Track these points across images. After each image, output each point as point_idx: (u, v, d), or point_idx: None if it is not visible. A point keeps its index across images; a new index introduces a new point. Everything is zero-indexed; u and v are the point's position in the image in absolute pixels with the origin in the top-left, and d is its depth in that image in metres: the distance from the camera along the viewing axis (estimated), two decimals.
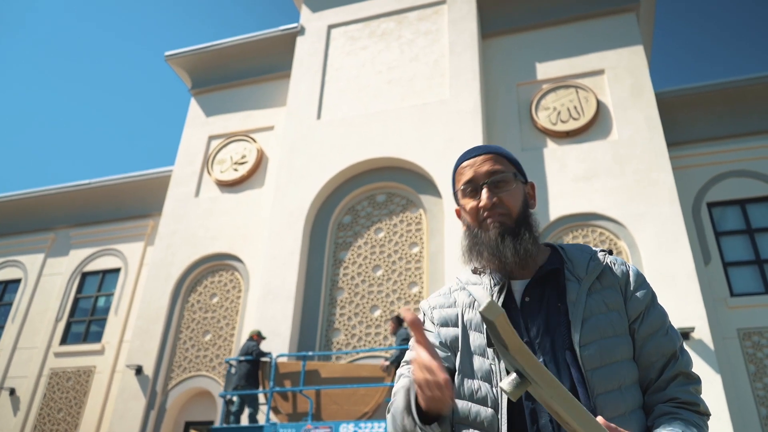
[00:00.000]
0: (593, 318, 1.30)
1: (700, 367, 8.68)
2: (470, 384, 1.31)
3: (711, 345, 8.82)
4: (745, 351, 9.66)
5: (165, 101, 48.55)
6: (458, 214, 1.50)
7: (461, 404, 1.30)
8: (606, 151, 10.78)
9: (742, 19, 34.78)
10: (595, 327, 1.29)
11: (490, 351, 1.31)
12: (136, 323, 11.92)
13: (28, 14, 41.99)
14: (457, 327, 1.39)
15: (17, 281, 14.85)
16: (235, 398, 8.96)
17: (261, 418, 9.28)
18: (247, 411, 9.09)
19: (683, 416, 1.23)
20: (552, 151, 11.14)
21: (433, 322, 1.45)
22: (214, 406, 11.04)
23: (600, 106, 11.22)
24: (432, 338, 1.42)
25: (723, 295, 10.15)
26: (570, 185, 10.67)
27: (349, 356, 10.12)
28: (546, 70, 12.07)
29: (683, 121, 11.71)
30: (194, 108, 14.63)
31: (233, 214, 12.61)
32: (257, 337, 9.25)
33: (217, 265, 12.28)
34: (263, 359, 9.00)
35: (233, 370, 9.22)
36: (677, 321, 8.96)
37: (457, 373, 1.35)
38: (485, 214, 1.40)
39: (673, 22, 34.60)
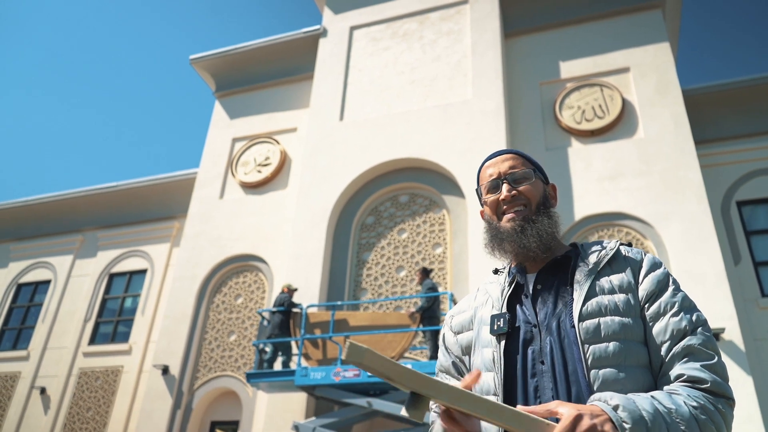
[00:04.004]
0: (598, 297, 1.32)
1: (730, 369, 8.51)
2: (484, 380, 1.39)
3: (742, 346, 8.65)
4: None
5: (190, 104, 49.14)
6: (482, 215, 1.57)
7: None
8: (632, 149, 10.64)
9: None
10: (598, 305, 1.31)
11: (493, 339, 1.38)
12: (162, 324, 12.07)
13: (55, 19, 42.83)
14: (472, 329, 1.49)
15: (47, 282, 15.14)
16: (268, 347, 9.32)
17: (293, 366, 9.46)
18: (280, 359, 9.47)
19: (676, 391, 1.18)
20: (576, 150, 11.02)
21: (452, 331, 1.54)
22: (239, 406, 11.13)
23: (625, 105, 11.07)
24: (444, 360, 1.55)
25: (754, 295, 9.94)
26: (595, 185, 10.55)
27: (377, 306, 10.41)
28: (570, 68, 11.95)
29: (711, 118, 11.51)
30: (218, 111, 14.78)
31: (257, 215, 12.71)
32: (288, 290, 9.56)
33: (241, 266, 12.37)
34: (294, 310, 9.32)
35: (265, 322, 9.55)
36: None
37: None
38: (505, 207, 1.48)
39: (700, 17, 34.03)
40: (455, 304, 8.78)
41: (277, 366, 9.61)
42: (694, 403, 1.14)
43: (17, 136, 46.82)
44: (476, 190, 1.57)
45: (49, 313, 14.43)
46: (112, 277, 14.40)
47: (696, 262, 9.33)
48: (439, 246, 10.86)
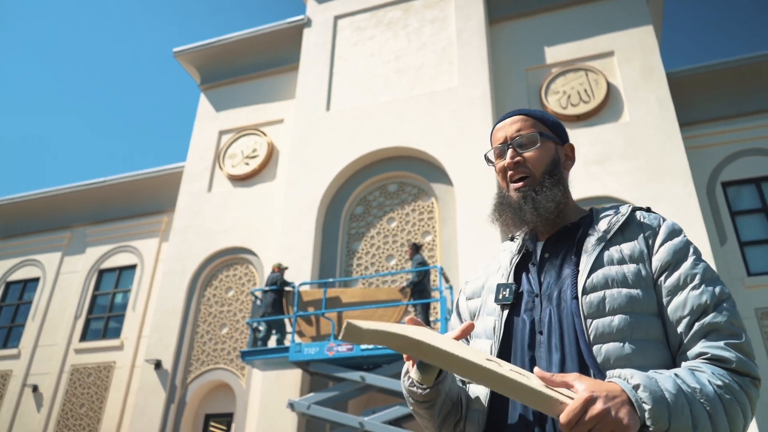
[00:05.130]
0: (605, 268, 1.25)
1: None
2: (476, 344, 1.38)
3: None
4: (763, 330, 9.59)
5: (175, 97, 48.77)
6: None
7: None
8: (618, 133, 10.70)
9: None
10: (604, 276, 1.24)
11: (497, 308, 1.36)
12: (153, 318, 12.06)
13: (36, 13, 42.28)
14: (481, 296, 1.47)
15: (36, 280, 15.06)
16: (262, 326, 9.45)
17: (287, 343, 9.55)
18: (274, 337, 9.60)
19: (699, 368, 1.10)
20: None
21: (465, 297, 1.53)
22: (233, 399, 11.16)
23: (610, 89, 11.12)
24: (455, 323, 1.51)
25: (740, 274, 10.07)
26: (582, 169, 10.60)
27: (368, 282, 10.56)
28: (555, 53, 11.97)
29: (696, 100, 11.59)
30: (204, 103, 14.69)
31: (246, 208, 12.68)
32: (278, 269, 9.64)
33: (231, 259, 12.37)
34: (287, 288, 9.44)
35: (258, 302, 9.68)
36: None
37: (471, 338, 1.42)
38: (510, 173, 1.43)
39: (683, 1, 34.13)
40: (445, 278, 8.94)
41: (272, 344, 9.72)
42: (719, 382, 1.07)
43: (1, 133, 46.31)
44: (485, 155, 1.52)
45: (39, 310, 14.36)
46: (102, 273, 14.34)
47: None
48: (429, 234, 10.90)
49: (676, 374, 1.07)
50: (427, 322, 8.55)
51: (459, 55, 11.99)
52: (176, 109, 49.01)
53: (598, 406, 0.97)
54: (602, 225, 1.34)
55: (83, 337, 13.54)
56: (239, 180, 13.17)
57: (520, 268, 1.41)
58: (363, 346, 8.09)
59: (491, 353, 1.31)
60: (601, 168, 10.49)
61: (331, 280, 9.51)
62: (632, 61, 11.28)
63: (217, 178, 13.48)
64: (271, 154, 13.20)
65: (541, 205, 1.37)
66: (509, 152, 1.42)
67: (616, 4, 11.98)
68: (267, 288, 9.37)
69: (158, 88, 48.56)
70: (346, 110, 12.37)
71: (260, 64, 14.52)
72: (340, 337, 1.05)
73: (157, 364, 11.42)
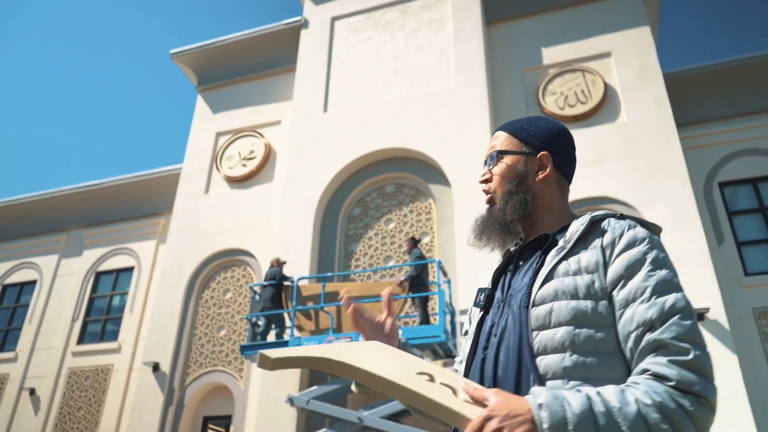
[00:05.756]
0: (557, 279, 1.25)
1: (715, 348, 8.65)
2: (464, 345, 1.46)
3: (726, 325, 8.78)
4: (761, 330, 9.61)
5: (172, 99, 48.70)
6: None
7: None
8: (615, 134, 10.72)
9: None
10: (554, 289, 1.23)
11: (476, 311, 1.44)
12: (151, 321, 12.03)
13: (31, 15, 42.18)
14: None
15: (33, 283, 15.01)
16: (261, 320, 9.47)
17: (286, 338, 9.57)
18: (273, 331, 9.61)
19: (634, 385, 1.08)
20: None
21: (474, 305, 1.57)
22: (231, 401, 11.14)
23: (607, 89, 11.14)
24: (466, 326, 1.56)
25: (737, 274, 10.09)
26: (579, 170, 10.57)
27: (367, 276, 10.41)
28: (552, 54, 11.99)
29: (693, 101, 11.61)
30: (201, 105, 14.67)
31: (243, 209, 12.66)
32: (277, 263, 9.65)
33: (229, 261, 12.34)
34: (286, 283, 9.46)
35: (257, 297, 9.68)
36: (692, 302, 8.89)
37: None
38: (483, 189, 1.52)
39: (680, 0, 34.22)
40: (443, 272, 8.96)
41: (271, 339, 9.74)
42: (649, 401, 1.03)
43: None
44: None
45: (36, 313, 14.31)
46: (99, 275, 14.30)
47: (680, 244, 9.44)
48: (427, 235, 10.90)
49: (598, 392, 1.05)
50: (425, 316, 8.64)
51: (456, 56, 12.00)
52: (173, 111, 48.97)
53: (492, 424, 1.00)
54: (567, 234, 1.33)
55: (80, 340, 13.50)
56: (236, 182, 13.15)
57: (504, 273, 1.46)
58: (361, 339, 8.09)
59: (465, 353, 1.40)
60: (598, 168, 10.51)
61: (329, 274, 9.54)
62: (629, 62, 11.30)
63: (215, 179, 13.46)
64: (269, 155, 13.19)
65: (494, 218, 1.45)
66: (483, 170, 1.52)
67: (613, 5, 12.01)
68: (266, 283, 9.38)
69: (155, 90, 48.50)
70: (343, 111, 12.36)
71: (257, 66, 14.50)
72: (256, 365, 1.09)
73: (155, 367, 11.39)
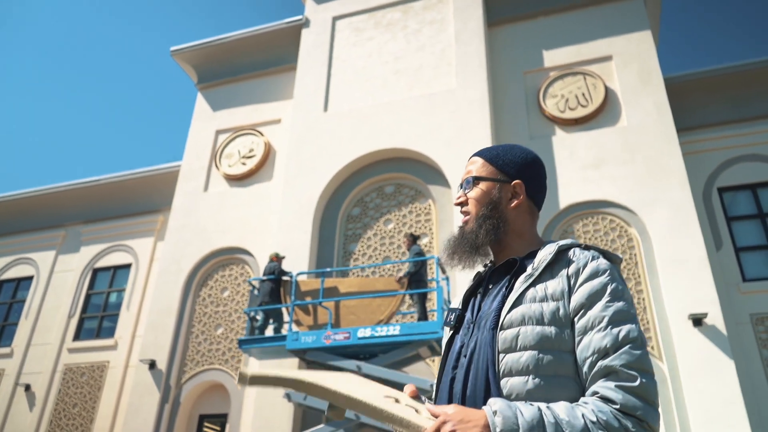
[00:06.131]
0: (524, 305, 1.32)
1: (713, 353, 8.66)
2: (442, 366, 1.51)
3: (724, 331, 8.79)
4: (758, 336, 9.62)
5: (171, 96, 48.62)
6: None
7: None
8: (615, 137, 10.72)
9: (752, 1, 34.42)
10: (522, 314, 1.31)
11: (447, 330, 1.52)
12: (148, 318, 12.00)
13: (32, 11, 42.09)
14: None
15: (29, 278, 14.97)
16: (259, 315, 9.45)
17: (284, 332, 9.55)
18: (271, 326, 9.58)
19: (584, 404, 1.17)
20: (561, 139, 11.08)
21: (444, 325, 1.64)
22: (227, 399, 11.11)
23: (608, 93, 11.14)
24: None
25: (735, 280, 10.10)
26: (579, 173, 10.62)
27: (367, 272, 10.61)
28: (553, 57, 11.99)
29: (693, 105, 11.62)
30: (201, 103, 14.64)
31: (242, 208, 12.64)
32: (276, 258, 9.63)
33: (227, 259, 12.32)
34: (284, 278, 9.43)
35: (256, 292, 9.65)
36: (689, 307, 8.94)
37: None
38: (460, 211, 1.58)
39: (681, 5, 34.27)
40: (442, 269, 8.98)
41: (269, 333, 9.73)
42: (594, 418, 1.13)
43: None
44: None
45: (33, 309, 14.27)
46: (96, 272, 14.26)
47: (679, 248, 9.45)
48: (425, 236, 10.89)
49: (548, 406, 1.15)
50: (423, 312, 8.68)
51: (457, 57, 11.99)
52: (173, 109, 48.88)
53: (447, 427, 1.11)
54: (536, 261, 1.40)
55: (77, 337, 13.46)
56: (236, 180, 13.12)
57: (474, 295, 1.53)
58: (360, 335, 8.19)
59: (437, 370, 1.48)
60: (598, 172, 10.51)
61: (328, 269, 9.51)
62: (630, 66, 11.31)
63: (214, 177, 13.43)
64: (268, 154, 13.16)
65: (464, 240, 1.51)
66: (458, 193, 1.58)
67: (615, 9, 12.01)
68: (265, 277, 9.39)
69: (155, 87, 48.40)
70: (344, 111, 12.35)
71: (258, 64, 14.48)
72: (236, 383, 1.17)
73: (152, 364, 11.36)
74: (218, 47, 14.66)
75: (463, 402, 1.31)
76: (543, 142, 11.09)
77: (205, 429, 11.37)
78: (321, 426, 8.53)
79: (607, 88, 11.16)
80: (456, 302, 1.57)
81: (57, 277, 14.59)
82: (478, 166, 1.58)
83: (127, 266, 13.99)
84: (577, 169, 10.66)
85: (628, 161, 10.40)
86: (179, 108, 47.70)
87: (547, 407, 1.15)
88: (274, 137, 13.43)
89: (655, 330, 9.21)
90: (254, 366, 10.59)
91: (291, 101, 13.50)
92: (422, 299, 8.81)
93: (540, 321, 1.29)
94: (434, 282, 9.13)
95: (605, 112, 11.07)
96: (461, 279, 9.79)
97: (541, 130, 11.35)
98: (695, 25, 36.67)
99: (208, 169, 13.53)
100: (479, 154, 1.61)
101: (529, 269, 1.39)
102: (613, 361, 1.20)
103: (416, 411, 1.19)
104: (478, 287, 1.53)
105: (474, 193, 1.55)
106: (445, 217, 10.80)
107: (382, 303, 8.70)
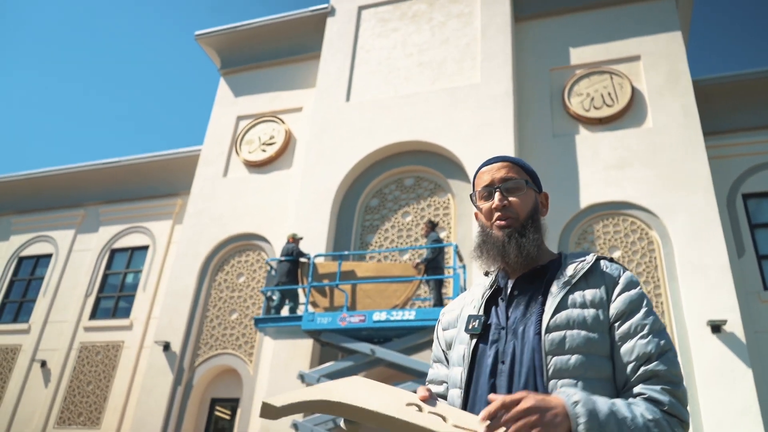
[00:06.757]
0: (568, 310, 1.37)
1: (731, 360, 8.56)
2: (452, 371, 1.50)
3: (743, 338, 8.68)
4: None
5: (194, 81, 48.79)
6: (476, 216, 1.63)
7: (450, 392, 1.49)
8: (640, 139, 10.58)
9: None
10: (566, 317, 1.36)
11: (467, 337, 1.48)
12: (164, 300, 12.09)
13: None
14: (456, 327, 1.58)
15: (48, 256, 15.13)
16: (275, 295, 9.50)
17: (300, 313, 9.64)
18: (287, 306, 9.65)
19: (635, 403, 1.23)
20: (584, 138, 10.96)
21: (441, 327, 1.65)
22: (239, 384, 11.19)
23: (635, 93, 10.99)
24: (436, 350, 1.65)
25: (756, 288, 9.96)
26: (602, 173, 10.51)
27: (383, 257, 10.75)
28: (580, 55, 11.84)
29: (720, 109, 11.43)
30: (223, 88, 14.66)
31: (261, 194, 12.67)
32: (293, 239, 9.68)
33: (244, 245, 12.37)
34: (302, 259, 9.48)
35: (273, 272, 9.70)
36: (708, 313, 8.83)
37: (450, 366, 1.55)
38: (496, 214, 1.52)
39: (713, 7, 33.71)
40: (459, 256, 8.97)
41: (284, 313, 9.79)
42: (650, 417, 1.20)
43: (20, 109, 46.54)
44: (470, 195, 1.63)
45: (51, 287, 14.43)
46: (114, 252, 14.38)
47: (700, 254, 9.33)
48: (443, 230, 10.85)
49: (612, 402, 1.20)
50: (439, 298, 8.77)
51: (483, 51, 11.89)
52: (195, 93, 49.07)
53: (527, 403, 1.11)
54: (569, 270, 1.45)
55: (93, 316, 13.61)
56: (255, 166, 13.14)
57: (491, 302, 1.53)
58: (375, 318, 8.23)
59: (461, 380, 1.44)
60: (621, 173, 10.39)
61: (346, 252, 9.54)
62: (658, 67, 11.14)
63: (233, 163, 13.46)
64: (288, 141, 13.16)
65: (525, 249, 1.48)
66: (497, 196, 1.53)
67: (645, 8, 11.83)
68: (283, 258, 9.40)
69: (178, 71, 48.59)
70: (366, 102, 12.30)
71: (281, 51, 14.46)
72: (258, 416, 1.13)
73: (166, 346, 11.45)
74: (243, 33, 14.65)
75: None
76: (566, 141, 10.98)
77: (217, 413, 11.46)
78: None
79: (633, 89, 11.01)
80: (472, 309, 1.55)
81: (75, 255, 14.74)
82: (519, 172, 1.57)
83: (145, 248, 14.10)
84: (600, 170, 10.54)
85: (652, 164, 10.26)
86: (201, 93, 47.88)
87: (613, 403, 1.20)
88: (295, 125, 13.43)
89: (672, 335, 9.11)
90: (269, 345, 10.64)
91: (313, 90, 13.47)
92: (438, 286, 8.88)
93: (583, 326, 1.35)
94: (451, 269, 9.13)
95: (631, 113, 10.93)
96: (477, 275, 9.75)
97: (564, 128, 11.23)
98: (726, 28, 36.07)
99: (228, 154, 13.57)
100: (510, 159, 1.59)
101: (565, 277, 1.44)
102: (657, 366, 1.28)
103: (443, 418, 1.17)
104: (497, 295, 1.53)
105: (520, 199, 1.53)
106: (464, 211, 10.75)
107: (398, 288, 8.76)
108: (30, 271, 15.17)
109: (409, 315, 8.22)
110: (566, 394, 1.19)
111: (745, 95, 11.46)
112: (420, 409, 1.19)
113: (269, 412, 1.13)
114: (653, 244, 9.86)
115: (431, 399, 1.27)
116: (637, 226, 10.07)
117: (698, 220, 9.57)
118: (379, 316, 8.28)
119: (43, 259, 15.18)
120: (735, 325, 8.76)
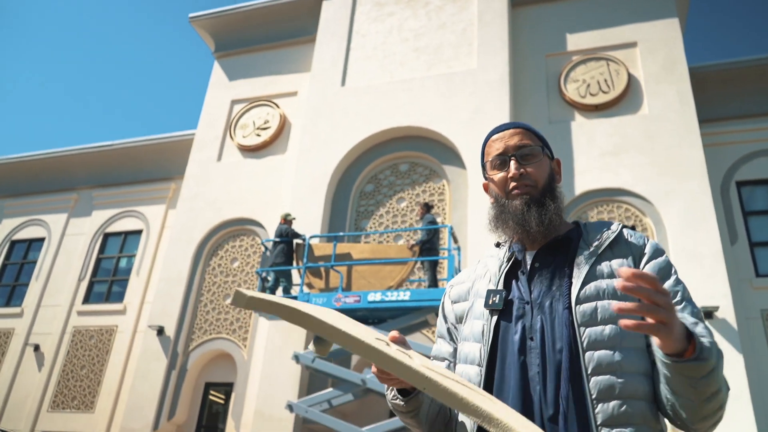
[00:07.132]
0: (597, 281, 1.32)
1: (722, 346, 8.58)
2: (464, 347, 1.42)
3: (734, 325, 8.76)
4: None
5: (188, 64, 48.40)
6: (485, 187, 1.56)
7: (458, 368, 1.42)
8: (635, 126, 10.59)
9: None
10: (596, 288, 1.31)
11: (486, 312, 1.40)
12: (158, 285, 12.06)
13: None
14: (468, 300, 1.50)
15: (41, 240, 15.05)
16: (270, 276, 9.50)
17: (294, 293, 9.64)
18: (281, 287, 9.63)
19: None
20: (580, 124, 10.96)
21: (450, 299, 1.56)
22: (233, 368, 11.21)
23: (631, 80, 10.98)
24: (441, 326, 1.57)
25: (748, 275, 10.03)
26: (597, 160, 10.52)
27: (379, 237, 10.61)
28: (576, 41, 11.80)
29: (716, 97, 11.44)
30: (217, 71, 14.54)
31: (255, 179, 12.62)
32: (285, 220, 9.62)
33: (238, 230, 12.34)
34: (297, 240, 9.45)
35: (268, 253, 9.68)
36: (701, 300, 8.89)
37: (459, 341, 1.47)
38: (513, 184, 1.45)
39: None
40: (454, 238, 9.00)
41: (279, 294, 9.75)
42: (715, 350, 1.17)
43: (12, 91, 46.07)
44: (482, 163, 1.54)
45: (43, 270, 14.37)
46: (107, 236, 14.32)
47: (693, 241, 9.38)
48: (438, 216, 10.85)
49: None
50: (434, 279, 8.82)
51: (479, 36, 11.82)
52: (189, 76, 48.69)
53: (663, 300, 1.03)
54: (593, 240, 1.41)
55: (86, 300, 13.57)
56: (249, 151, 13.08)
57: (509, 276, 1.45)
58: (370, 299, 8.24)
59: (480, 356, 1.37)
60: (616, 159, 10.40)
61: (341, 234, 9.53)
62: (655, 54, 11.12)
63: (228, 147, 13.39)
64: (283, 126, 13.10)
65: (546, 217, 1.42)
66: (513, 164, 1.45)
67: None
68: (277, 239, 9.39)
69: (172, 54, 48.17)
70: (361, 86, 12.23)
71: (276, 35, 14.34)
72: (228, 302, 1.11)
73: (160, 330, 11.45)
74: (237, 15, 14.51)
75: (544, 386, 1.27)
76: (562, 127, 10.97)
77: (211, 397, 11.49)
78: (329, 390, 8.63)
79: (630, 75, 10.99)
80: (488, 283, 1.46)
81: (68, 239, 14.66)
82: (532, 138, 1.49)
83: (138, 232, 14.04)
84: (595, 156, 10.55)
85: (647, 150, 10.28)
86: (195, 76, 47.53)
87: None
88: (290, 109, 13.35)
89: None
90: (263, 330, 10.66)
91: (308, 74, 13.38)
92: (433, 267, 8.94)
93: (615, 296, 1.29)
94: (446, 251, 9.16)
95: (627, 100, 10.92)
96: (472, 249, 9.79)
97: (560, 114, 11.22)
98: (722, 15, 36.01)
99: (222, 139, 13.49)
100: (521, 126, 1.51)
101: (590, 247, 1.39)
102: (695, 328, 1.19)
103: (409, 357, 1.14)
104: (516, 269, 1.45)
105: (538, 166, 1.47)
106: (459, 197, 10.74)
107: (393, 269, 8.78)
108: (22, 255, 15.09)
109: (403, 296, 8.25)
110: (682, 317, 1.16)
111: (740, 83, 11.46)
112: (388, 345, 1.18)
113: (239, 300, 1.15)
114: (647, 231, 9.90)
115: (400, 342, 1.24)
116: (632, 212, 10.10)
117: (692, 207, 9.61)
118: (374, 296, 8.29)
119: (36, 243, 15.10)
120: (727, 312, 8.83)
